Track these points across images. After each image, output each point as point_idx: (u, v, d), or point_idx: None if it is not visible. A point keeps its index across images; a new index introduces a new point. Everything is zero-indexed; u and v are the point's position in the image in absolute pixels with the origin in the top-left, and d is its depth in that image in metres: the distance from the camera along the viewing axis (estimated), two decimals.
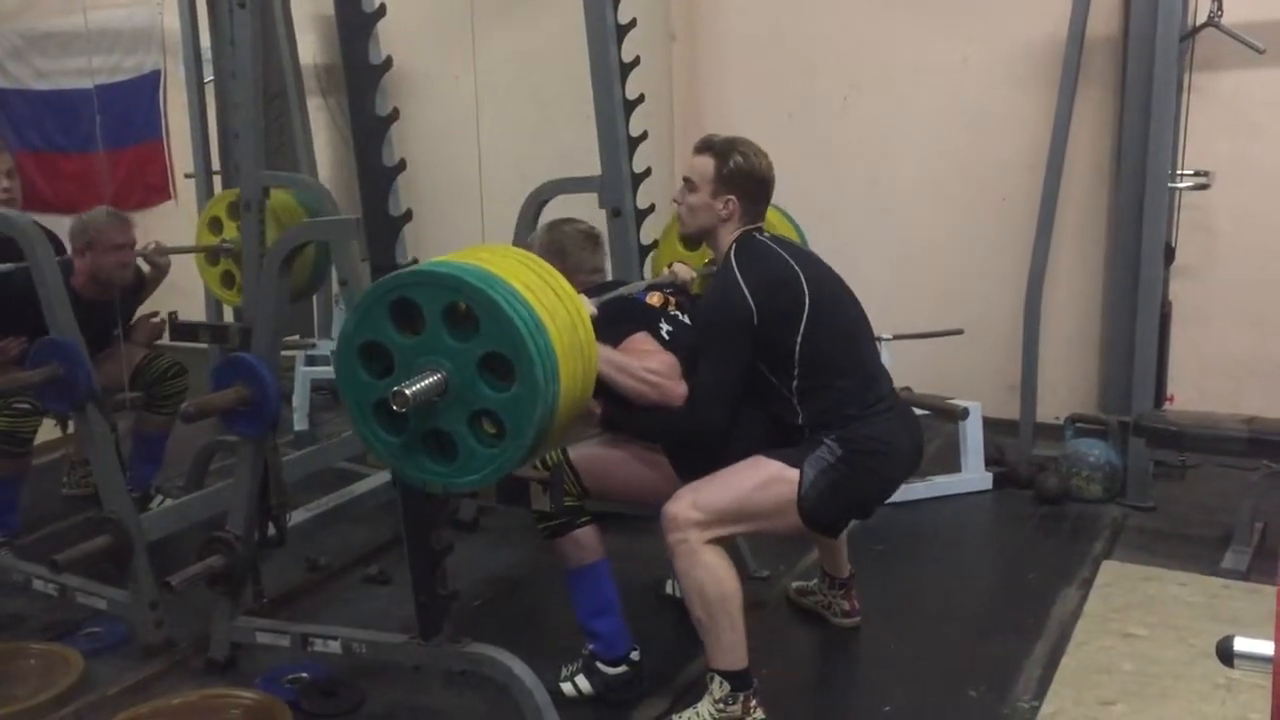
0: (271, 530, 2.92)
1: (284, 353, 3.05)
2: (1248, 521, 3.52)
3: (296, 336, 5.10)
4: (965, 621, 3.17)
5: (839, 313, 2.60)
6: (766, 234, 2.66)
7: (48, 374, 2.90)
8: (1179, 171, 4.20)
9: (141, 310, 4.01)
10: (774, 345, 2.50)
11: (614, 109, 3.47)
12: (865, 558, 3.28)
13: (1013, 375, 4.49)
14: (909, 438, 2.61)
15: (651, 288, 2.86)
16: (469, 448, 2.04)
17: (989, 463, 4.20)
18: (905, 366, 3.97)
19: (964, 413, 3.98)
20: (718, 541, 2.48)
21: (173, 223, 4.45)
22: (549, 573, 3.47)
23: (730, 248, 2.59)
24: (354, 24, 2.29)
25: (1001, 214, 4.78)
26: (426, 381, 1.98)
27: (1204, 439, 3.62)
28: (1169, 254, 4.17)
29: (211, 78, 4.87)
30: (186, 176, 5.19)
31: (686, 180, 2.63)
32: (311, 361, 5.10)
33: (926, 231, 4.97)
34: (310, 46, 5.71)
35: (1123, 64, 4.33)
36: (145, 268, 3.93)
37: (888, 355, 4.05)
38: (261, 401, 2.72)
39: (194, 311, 4.74)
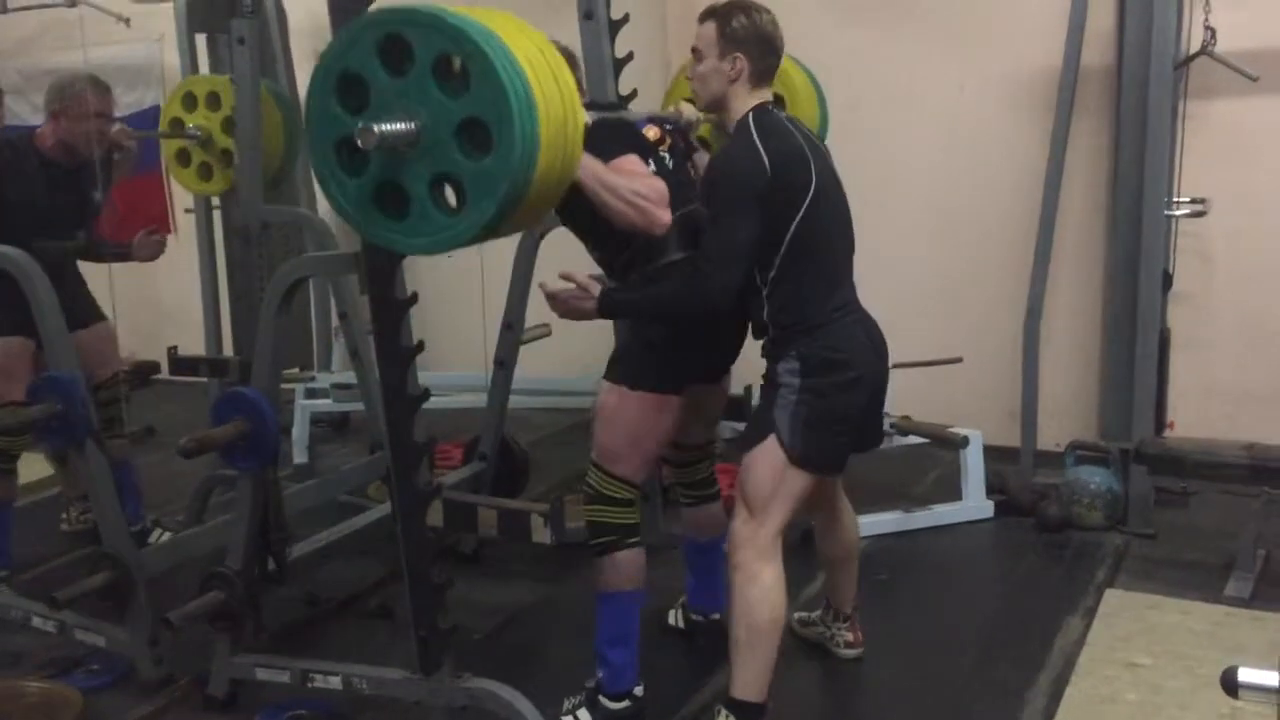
0: (271, 565, 2.91)
1: (283, 385, 3.04)
2: (1250, 548, 3.51)
3: (296, 369, 5.10)
4: (968, 652, 3.15)
5: (832, 211, 2.58)
6: (783, 113, 2.61)
7: (46, 411, 2.89)
8: (1175, 199, 4.22)
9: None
10: (770, 223, 2.43)
11: None
12: (867, 588, 3.27)
13: (1012, 403, 4.48)
14: (867, 339, 2.58)
15: (653, 119, 2.76)
16: (424, 210, 1.95)
17: (990, 491, 4.18)
18: (904, 395, 3.95)
19: (964, 441, 3.98)
20: (781, 531, 2.50)
21: (173, 256, 4.46)
22: (550, 606, 3.46)
23: (748, 114, 2.50)
24: None
25: (999, 241, 4.78)
26: (398, 126, 1.88)
27: (1205, 465, 3.62)
28: (1167, 280, 4.18)
29: None
30: (187, 211, 5.20)
31: (694, 51, 2.56)
32: (311, 394, 5.09)
33: (924, 259, 4.98)
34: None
35: (1118, 92, 4.35)
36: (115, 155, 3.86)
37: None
38: (261, 435, 2.71)
39: (193, 345, 4.75)
